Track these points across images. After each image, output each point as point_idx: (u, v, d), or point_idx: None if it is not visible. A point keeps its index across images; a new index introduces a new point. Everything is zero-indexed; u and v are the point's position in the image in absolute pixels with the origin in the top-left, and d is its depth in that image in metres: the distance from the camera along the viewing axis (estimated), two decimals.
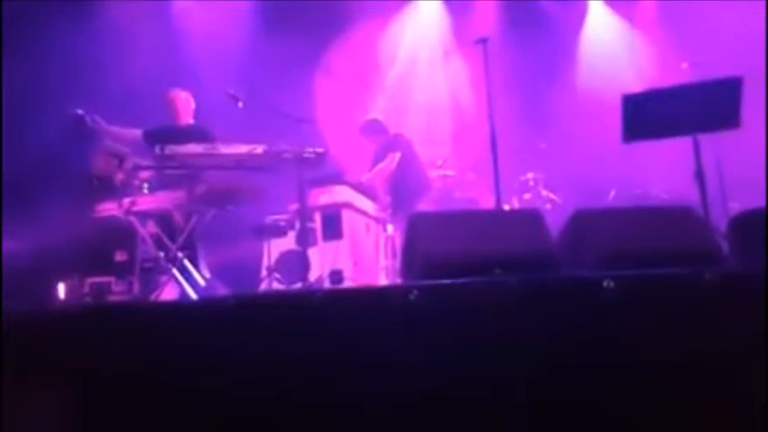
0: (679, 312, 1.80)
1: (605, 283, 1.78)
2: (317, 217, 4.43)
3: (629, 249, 2.28)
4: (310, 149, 3.63)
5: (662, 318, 1.80)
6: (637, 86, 5.03)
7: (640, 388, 1.71)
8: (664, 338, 1.78)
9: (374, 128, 5.07)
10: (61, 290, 3.60)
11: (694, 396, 1.72)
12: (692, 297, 1.82)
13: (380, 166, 4.87)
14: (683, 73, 4.80)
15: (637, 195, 5.45)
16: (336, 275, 4.09)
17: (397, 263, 4.48)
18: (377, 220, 4.73)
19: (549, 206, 5.56)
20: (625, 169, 5.67)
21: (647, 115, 3.44)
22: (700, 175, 3.46)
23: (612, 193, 5.61)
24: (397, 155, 4.86)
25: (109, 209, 3.61)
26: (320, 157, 3.67)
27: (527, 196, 5.74)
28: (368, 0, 6.43)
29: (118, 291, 3.54)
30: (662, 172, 5.48)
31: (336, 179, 4.54)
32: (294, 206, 4.29)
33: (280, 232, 4.48)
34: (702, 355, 1.76)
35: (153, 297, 3.48)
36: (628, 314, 1.78)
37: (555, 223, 2.54)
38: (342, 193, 4.46)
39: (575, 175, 5.71)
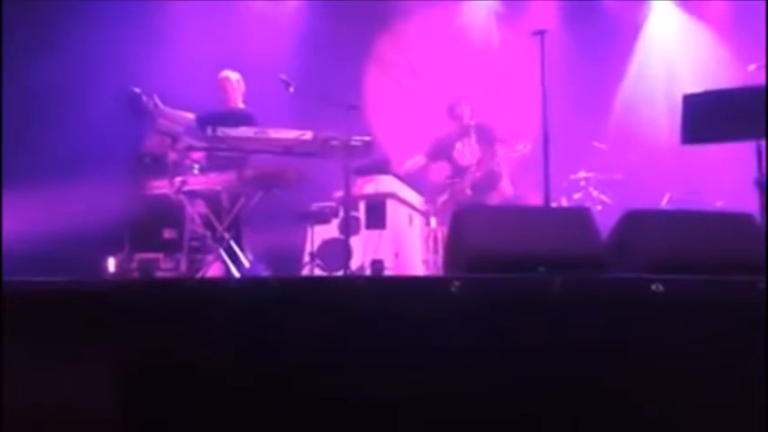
0: (729, 321, 1.73)
1: (654, 287, 1.72)
2: (361, 206, 4.44)
3: (682, 255, 2.19)
4: (358, 138, 3.63)
5: (711, 326, 1.73)
6: (699, 87, 4.80)
7: (685, 394, 1.64)
8: (712, 346, 1.71)
9: (458, 112, 5.03)
10: (111, 264, 3.74)
11: (744, 404, 1.64)
12: (743, 306, 1.74)
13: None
14: (749, 75, 4.55)
15: (692, 201, 5.22)
16: (377, 265, 4.10)
17: (439, 258, 4.45)
18: (421, 212, 4.70)
19: (599, 207, 5.38)
20: (680, 173, 5.45)
21: (710, 117, 3.27)
22: (761, 183, 3.28)
23: (667, 197, 5.39)
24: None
25: (160, 187, 3.70)
26: (367, 146, 3.67)
27: (577, 196, 5.57)
28: None
29: (165, 267, 3.64)
30: (718, 178, 5.23)
31: (382, 169, 4.53)
32: (339, 194, 4.32)
33: (323, 219, 4.51)
34: (751, 366, 1.67)
35: (199, 275, 3.57)
36: (676, 320, 1.72)
37: (605, 225, 2.45)
38: (387, 184, 4.45)
39: (628, 177, 5.51)
